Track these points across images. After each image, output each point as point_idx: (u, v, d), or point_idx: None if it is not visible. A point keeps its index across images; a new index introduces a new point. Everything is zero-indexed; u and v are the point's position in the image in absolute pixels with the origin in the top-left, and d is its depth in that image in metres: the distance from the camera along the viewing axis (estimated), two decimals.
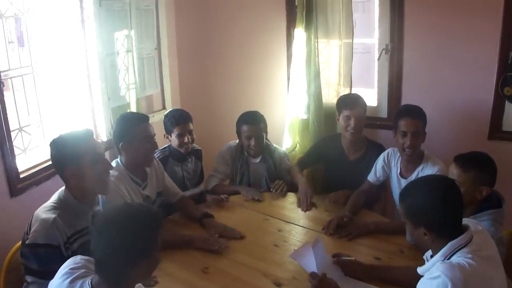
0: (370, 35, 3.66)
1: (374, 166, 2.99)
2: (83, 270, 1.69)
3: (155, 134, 2.73)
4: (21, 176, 2.79)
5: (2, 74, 2.73)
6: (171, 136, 3.15)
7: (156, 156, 3.03)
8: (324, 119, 3.54)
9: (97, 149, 2.20)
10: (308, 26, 3.45)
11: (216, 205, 2.99)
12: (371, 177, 3.01)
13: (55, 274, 1.82)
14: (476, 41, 3.30)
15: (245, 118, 3.23)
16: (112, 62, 3.33)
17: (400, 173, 2.86)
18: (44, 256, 2.00)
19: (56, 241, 2.02)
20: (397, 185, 2.89)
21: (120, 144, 2.64)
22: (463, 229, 1.79)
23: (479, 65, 3.32)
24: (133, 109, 3.55)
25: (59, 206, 2.12)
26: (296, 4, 3.56)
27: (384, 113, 3.67)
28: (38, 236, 2.01)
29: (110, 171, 2.35)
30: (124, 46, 3.44)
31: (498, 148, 3.33)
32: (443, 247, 1.77)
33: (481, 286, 1.71)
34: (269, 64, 3.96)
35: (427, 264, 1.82)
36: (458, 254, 1.75)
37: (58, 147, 2.14)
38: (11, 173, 2.71)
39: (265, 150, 3.30)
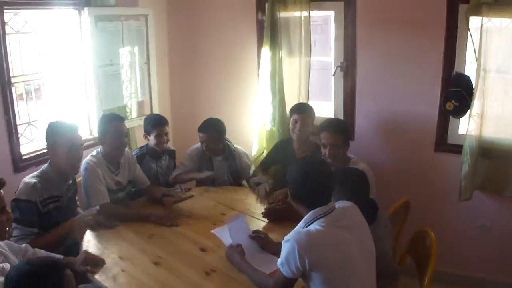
0: (327, 54, 4.00)
1: None
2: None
3: (127, 132, 3.32)
4: (24, 157, 3.44)
5: (17, 78, 3.43)
6: (149, 136, 3.67)
7: (134, 153, 3.64)
8: (287, 127, 3.89)
9: (75, 140, 2.84)
10: (273, 45, 3.91)
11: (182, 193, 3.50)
12: None
13: (32, 223, 2.63)
14: (422, 59, 3.55)
15: (200, 125, 3.68)
16: (105, 72, 3.91)
17: None
18: (24, 209, 2.66)
19: (34, 198, 2.69)
20: None
21: (98, 137, 3.26)
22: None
23: (425, 81, 3.58)
24: (125, 112, 4.13)
25: (41, 175, 2.81)
26: (264, 25, 3.95)
27: None
28: (21, 193, 2.70)
29: (90, 157, 3.14)
30: (118, 59, 4.04)
31: (443, 159, 3.65)
32: (306, 215, 2.12)
33: (329, 250, 1.99)
34: (242, 77, 4.38)
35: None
36: (316, 222, 2.05)
37: (47, 130, 2.83)
38: (16, 155, 3.38)
39: (226, 150, 3.77)
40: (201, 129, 3.67)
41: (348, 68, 3.87)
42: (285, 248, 2.03)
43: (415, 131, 3.72)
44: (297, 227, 2.12)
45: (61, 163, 2.82)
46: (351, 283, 2.04)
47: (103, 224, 2.96)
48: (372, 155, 3.83)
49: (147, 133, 3.71)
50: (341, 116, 3.99)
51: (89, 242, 2.79)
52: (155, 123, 3.67)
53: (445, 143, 3.66)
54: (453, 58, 3.49)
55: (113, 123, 3.22)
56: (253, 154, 4.19)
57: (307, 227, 2.08)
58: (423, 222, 2.77)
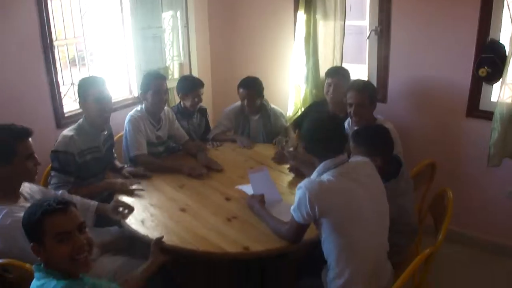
0: (363, 18, 4.05)
1: None
2: None
3: (167, 90, 3.53)
4: (66, 115, 3.70)
5: (60, 41, 3.66)
6: (184, 97, 3.85)
7: (171, 109, 3.83)
8: (320, 88, 4.04)
9: (102, 92, 3.02)
10: (308, 9, 3.97)
11: (213, 148, 3.74)
12: None
13: (69, 172, 2.84)
14: (457, 25, 3.52)
15: (242, 82, 3.89)
16: (145, 35, 4.12)
17: None
18: (61, 159, 2.89)
19: (71, 149, 2.91)
20: None
21: (140, 93, 3.48)
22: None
23: (459, 47, 3.55)
24: (167, 73, 4.34)
25: (77, 128, 3.02)
26: None
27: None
28: (59, 145, 2.92)
29: (134, 111, 3.40)
30: (159, 23, 4.22)
31: (474, 125, 3.64)
32: (318, 165, 2.27)
33: (338, 198, 2.12)
34: (279, 40, 4.47)
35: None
36: (328, 173, 2.18)
37: (79, 85, 3.04)
38: (58, 112, 3.63)
39: (262, 109, 3.95)
40: (242, 85, 3.86)
41: (382, 32, 3.87)
42: (297, 195, 2.17)
43: (447, 96, 3.72)
44: (313, 176, 2.26)
45: (92, 114, 3.02)
46: (358, 232, 2.16)
47: (138, 174, 3.20)
48: (403, 118, 3.89)
49: (183, 94, 3.86)
50: (374, 79, 4.03)
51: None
52: (192, 86, 3.82)
53: (476, 109, 3.64)
54: (488, 25, 3.44)
55: (155, 81, 3.43)
56: (288, 114, 4.32)
57: (319, 177, 2.22)
58: (451, 186, 2.79)
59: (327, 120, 2.35)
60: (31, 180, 2.44)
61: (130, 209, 2.74)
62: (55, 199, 1.77)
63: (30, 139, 2.34)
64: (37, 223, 1.73)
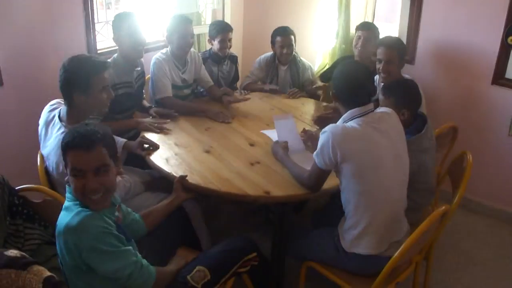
0: None
1: None
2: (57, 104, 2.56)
3: (193, 34, 3.57)
4: (99, 51, 3.76)
5: None
6: (213, 41, 3.89)
7: (200, 54, 3.88)
8: (349, 44, 4.06)
9: (135, 26, 3.09)
10: None
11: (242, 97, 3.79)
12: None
13: None
14: None
15: (279, 30, 3.95)
16: None
17: None
18: None
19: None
20: None
21: (166, 35, 3.52)
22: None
23: (491, 14, 3.51)
24: (200, 18, 4.40)
25: (112, 62, 3.08)
26: None
27: None
28: None
29: (160, 53, 3.47)
30: None
31: (499, 93, 3.63)
32: (345, 113, 2.28)
33: (360, 145, 2.15)
34: None
35: None
36: (353, 121, 2.20)
37: (113, 21, 3.12)
38: (91, 48, 3.68)
39: (292, 60, 4.01)
40: (281, 32, 3.94)
41: None
42: (321, 139, 2.21)
43: (474, 62, 3.70)
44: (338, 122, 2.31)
45: (125, 48, 3.10)
46: (377, 182, 2.21)
47: (163, 114, 3.30)
48: (430, 80, 3.89)
49: (211, 37, 3.90)
50: (404, 40, 3.98)
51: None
52: (220, 29, 3.86)
53: (502, 77, 3.61)
54: None
55: (181, 25, 3.45)
56: (316, 68, 4.35)
57: (344, 124, 2.25)
58: (471, 152, 2.80)
59: (359, 68, 2.37)
60: (102, 111, 2.57)
61: (155, 146, 2.83)
62: (87, 131, 1.81)
63: (106, 72, 2.44)
64: (63, 151, 1.82)
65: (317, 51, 4.36)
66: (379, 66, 3.22)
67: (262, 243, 2.53)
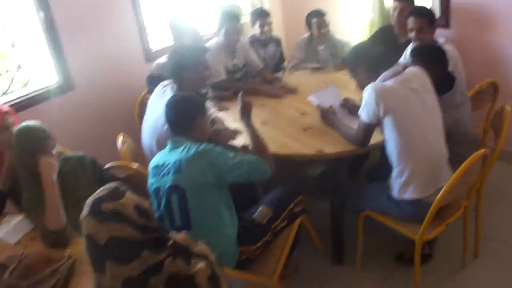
0: None
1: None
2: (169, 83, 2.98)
3: (240, 29, 3.98)
4: (153, 50, 4.19)
5: None
6: (254, 27, 4.28)
7: (246, 39, 4.24)
8: (386, 17, 4.24)
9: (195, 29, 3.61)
10: None
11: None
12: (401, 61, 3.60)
13: None
14: None
15: (314, 13, 4.24)
16: None
17: None
18: (156, 82, 3.26)
19: (164, 73, 3.30)
20: None
21: (217, 27, 3.89)
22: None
23: None
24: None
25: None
26: None
27: (437, 14, 4.06)
28: (153, 70, 3.48)
29: (212, 42, 3.85)
30: None
31: None
32: (377, 78, 2.54)
33: (398, 99, 2.43)
34: None
35: None
36: (388, 81, 2.49)
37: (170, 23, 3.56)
38: (146, 48, 4.12)
39: (327, 39, 4.29)
40: (313, 14, 4.24)
41: None
42: (365, 96, 2.50)
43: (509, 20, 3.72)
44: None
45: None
46: (415, 132, 2.48)
47: (220, 96, 3.69)
48: (467, 40, 3.98)
49: (252, 23, 4.32)
50: (437, 5, 4.11)
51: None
52: (257, 15, 4.28)
53: None
54: None
55: (227, 23, 3.84)
56: (354, 43, 4.54)
57: None
58: None
59: (382, 31, 2.78)
60: (203, 86, 3.18)
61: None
62: None
63: (205, 55, 3.01)
64: None
65: (356, 25, 4.60)
66: (411, 35, 3.39)
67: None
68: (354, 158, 3.46)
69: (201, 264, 1.43)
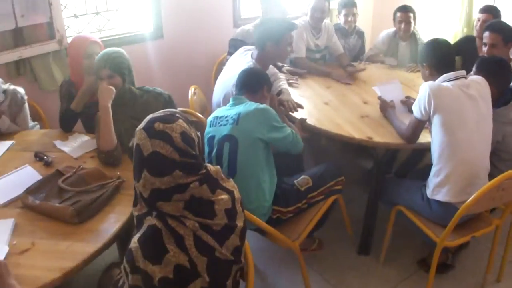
0: None
1: None
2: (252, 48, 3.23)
3: (325, 11, 4.10)
4: (242, 17, 4.46)
5: None
6: (339, 15, 4.43)
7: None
8: (471, 27, 4.31)
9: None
10: None
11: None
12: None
13: None
14: None
15: (400, 7, 4.30)
16: None
17: None
18: (238, 46, 3.54)
19: (246, 39, 3.64)
20: None
21: (308, 3, 4.09)
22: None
23: None
24: None
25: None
26: None
27: None
28: (237, 35, 3.75)
29: (300, 20, 4.06)
30: None
31: None
32: (439, 77, 2.63)
33: (451, 100, 2.50)
34: None
35: None
36: (447, 83, 2.56)
37: None
38: (236, 15, 4.42)
39: (412, 37, 4.34)
40: (400, 9, 4.30)
41: None
42: (420, 91, 2.60)
43: None
44: None
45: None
46: (460, 135, 2.53)
47: (294, 72, 3.87)
48: None
49: (338, 12, 4.47)
50: None
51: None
52: (344, 4, 4.40)
53: None
54: None
55: (314, 3, 4.04)
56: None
57: None
58: None
59: (444, 40, 2.79)
60: (282, 60, 3.51)
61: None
62: None
63: (293, 32, 3.20)
64: None
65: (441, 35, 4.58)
66: (485, 49, 3.40)
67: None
68: (408, 157, 3.63)
69: (224, 196, 1.63)
